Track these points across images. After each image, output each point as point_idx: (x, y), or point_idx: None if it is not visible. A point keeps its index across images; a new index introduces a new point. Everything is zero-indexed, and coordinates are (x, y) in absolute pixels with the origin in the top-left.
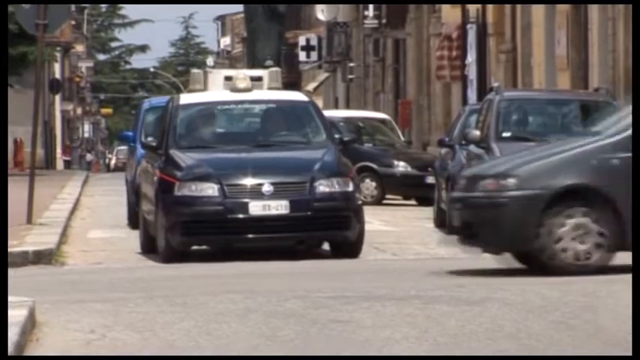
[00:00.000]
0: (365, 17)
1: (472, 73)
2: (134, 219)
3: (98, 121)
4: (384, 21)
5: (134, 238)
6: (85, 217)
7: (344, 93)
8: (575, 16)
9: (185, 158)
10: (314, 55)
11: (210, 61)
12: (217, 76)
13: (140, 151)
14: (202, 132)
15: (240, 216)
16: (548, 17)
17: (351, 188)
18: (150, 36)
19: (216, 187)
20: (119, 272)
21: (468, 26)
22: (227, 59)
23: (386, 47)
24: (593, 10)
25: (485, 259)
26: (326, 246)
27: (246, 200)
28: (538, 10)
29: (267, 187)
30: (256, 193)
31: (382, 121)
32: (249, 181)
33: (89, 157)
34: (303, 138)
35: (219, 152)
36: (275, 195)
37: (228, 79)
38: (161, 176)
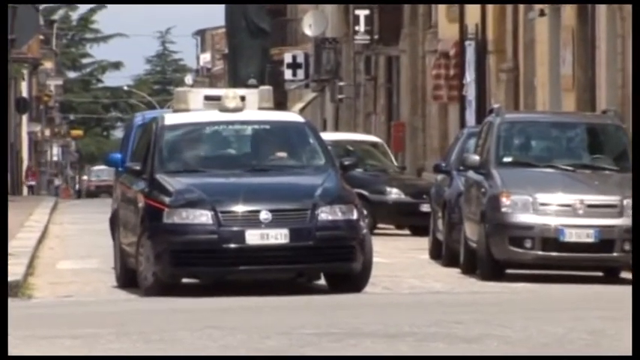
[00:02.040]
0: (355, 33)
1: (471, 93)
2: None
3: (68, 144)
4: (376, 37)
5: (107, 269)
6: (54, 246)
7: (333, 114)
8: (582, 33)
9: (174, 183)
10: (300, 73)
11: (188, 79)
12: (197, 95)
13: None
14: (190, 155)
15: (236, 245)
16: (552, 34)
17: (355, 216)
18: (124, 52)
19: (209, 214)
20: (91, 306)
21: (467, 43)
22: (207, 77)
23: (378, 65)
24: (601, 26)
25: (485, 294)
26: (322, 279)
27: (242, 228)
28: (542, 27)
29: (264, 215)
30: (253, 220)
31: (374, 144)
32: (244, 208)
33: (57, 181)
34: (301, 162)
35: (210, 177)
36: (273, 223)
37: (208, 98)
38: (147, 202)
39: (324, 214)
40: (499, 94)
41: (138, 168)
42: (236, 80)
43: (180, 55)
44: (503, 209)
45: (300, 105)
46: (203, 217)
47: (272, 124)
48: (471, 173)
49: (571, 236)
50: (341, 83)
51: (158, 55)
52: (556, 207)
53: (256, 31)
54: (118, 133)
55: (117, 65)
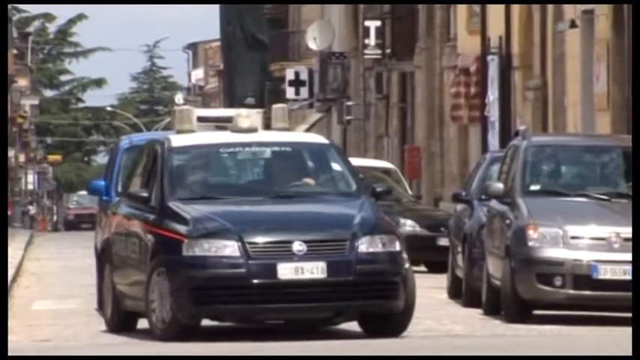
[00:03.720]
0: (365, 46)
1: (494, 113)
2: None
3: (45, 170)
4: (388, 51)
5: (90, 310)
6: (30, 285)
7: (340, 137)
8: (618, 46)
9: (190, 211)
10: (304, 91)
11: (179, 98)
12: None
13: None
14: (204, 180)
15: (267, 281)
16: (584, 47)
17: (398, 248)
18: (107, 68)
19: (235, 244)
20: (70, 351)
21: (489, 58)
22: (199, 96)
23: (390, 82)
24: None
25: (510, 337)
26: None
27: (273, 261)
28: (573, 39)
29: (298, 246)
30: (285, 252)
31: (386, 171)
32: (276, 239)
33: (32, 209)
34: (328, 188)
35: (230, 204)
36: (309, 255)
37: (201, 120)
38: (160, 233)
39: (364, 246)
40: (525, 114)
41: (145, 195)
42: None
43: (170, 72)
44: (530, 243)
45: (303, 127)
46: (228, 248)
47: (293, 146)
48: (494, 203)
49: (606, 273)
50: (349, 103)
51: (145, 71)
52: (589, 240)
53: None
54: (101, 159)
55: (99, 83)
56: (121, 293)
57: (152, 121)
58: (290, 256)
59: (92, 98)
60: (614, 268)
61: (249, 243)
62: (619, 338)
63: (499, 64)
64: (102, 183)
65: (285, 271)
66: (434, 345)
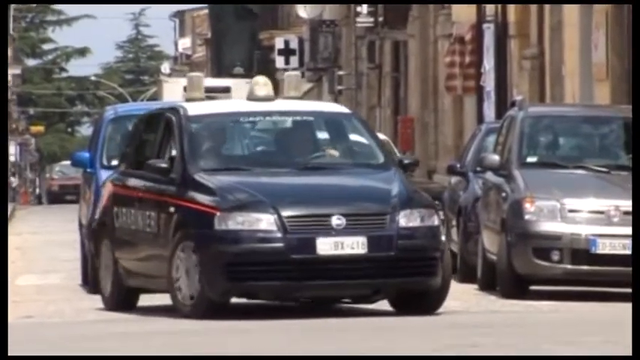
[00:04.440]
0: (357, 14)
1: (489, 83)
2: (96, 279)
3: (27, 142)
4: (380, 19)
5: (73, 286)
6: (15, 259)
7: None
8: (617, 14)
9: (219, 182)
10: (294, 60)
11: (165, 67)
12: (174, 86)
13: (101, 177)
14: (227, 150)
15: (306, 256)
16: (583, 15)
17: (436, 222)
18: (91, 36)
19: (271, 217)
20: (54, 328)
21: (485, 26)
22: (186, 65)
23: (383, 51)
24: None
25: (506, 313)
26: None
27: (312, 235)
28: (571, 7)
29: (337, 220)
30: (324, 226)
31: None
32: (313, 212)
33: (14, 181)
34: (355, 160)
35: (259, 176)
36: (348, 230)
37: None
38: (186, 206)
39: (404, 220)
40: (522, 84)
41: (165, 165)
42: (220, 69)
43: (156, 40)
44: (527, 216)
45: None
46: (264, 221)
47: (316, 115)
48: (489, 175)
49: (604, 247)
50: (340, 72)
51: (130, 40)
52: (587, 214)
53: (244, 13)
54: (85, 130)
55: (83, 52)
56: (124, 270)
57: (138, 91)
58: (329, 231)
59: (76, 68)
60: (614, 242)
61: (286, 216)
62: (622, 316)
63: (495, 32)
64: (86, 154)
65: (325, 246)
66: (430, 321)
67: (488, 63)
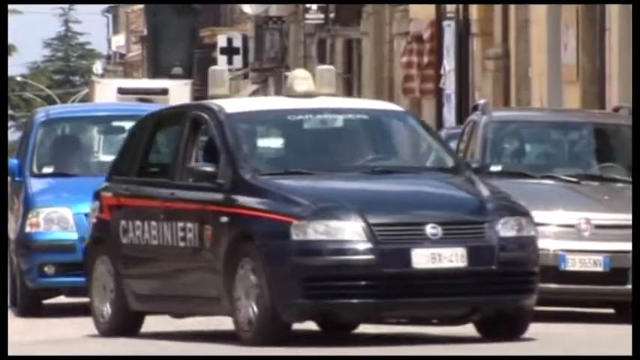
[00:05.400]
0: (307, 10)
1: (450, 85)
2: (27, 298)
3: None
4: (331, 15)
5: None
6: None
7: None
8: (589, 12)
9: (287, 187)
10: (237, 60)
11: (97, 67)
12: (107, 87)
13: (31, 186)
14: (280, 152)
15: (400, 270)
16: (551, 13)
17: (533, 232)
18: (16, 33)
19: (359, 226)
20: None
21: (445, 23)
22: (121, 65)
23: (334, 50)
24: (612, 5)
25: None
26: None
27: (406, 246)
28: (538, 4)
29: (432, 229)
30: (418, 236)
31: None
32: (405, 219)
33: None
34: (423, 162)
35: (328, 180)
36: (445, 240)
37: (122, 91)
38: (250, 214)
39: (504, 230)
40: (485, 86)
41: (211, 169)
42: (157, 69)
43: (88, 38)
44: None
45: None
46: (350, 231)
47: (371, 114)
48: None
49: (574, 264)
50: (288, 73)
51: (59, 37)
52: (556, 228)
53: (182, 8)
54: (10, 135)
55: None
56: (131, 292)
57: (67, 93)
58: (423, 241)
59: None
60: (584, 258)
61: (375, 224)
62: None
63: (456, 30)
64: (14, 162)
65: (421, 258)
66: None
67: (449, 64)
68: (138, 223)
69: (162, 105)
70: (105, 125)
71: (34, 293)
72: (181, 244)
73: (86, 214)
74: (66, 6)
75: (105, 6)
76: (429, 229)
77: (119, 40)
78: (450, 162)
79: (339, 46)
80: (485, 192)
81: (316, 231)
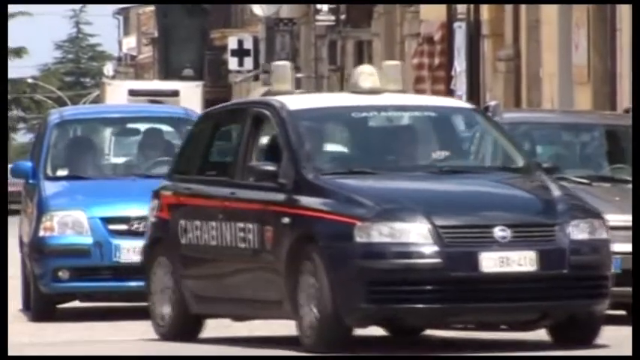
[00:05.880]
0: (317, 12)
1: (461, 87)
2: (41, 303)
3: None
4: (342, 17)
5: (12, 309)
6: None
7: None
8: (599, 12)
9: (350, 187)
10: (248, 62)
11: (108, 69)
12: (118, 89)
13: (45, 189)
14: (344, 150)
15: (468, 274)
16: (562, 13)
17: (606, 235)
18: (28, 35)
19: (425, 228)
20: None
21: (456, 25)
22: (131, 66)
23: (345, 52)
24: (623, 6)
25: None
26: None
27: (474, 250)
28: (549, 4)
29: (501, 231)
30: (487, 239)
31: None
32: (473, 221)
33: None
34: (491, 162)
35: (392, 180)
36: (514, 243)
37: (133, 93)
38: (312, 215)
39: (575, 232)
40: (496, 87)
41: (273, 169)
42: (168, 70)
43: (98, 40)
44: None
45: None
46: (416, 233)
47: (437, 111)
48: None
49: None
50: (299, 75)
51: (70, 39)
52: None
53: (193, 10)
54: (20, 137)
55: (19, 52)
56: (192, 294)
57: (78, 95)
58: (491, 244)
59: (11, 69)
60: None
61: (442, 227)
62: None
63: (467, 31)
64: (28, 164)
65: (489, 262)
66: None
67: (460, 65)
68: (197, 222)
69: (174, 106)
70: (120, 127)
71: (48, 298)
72: (241, 245)
73: (101, 218)
74: (77, 8)
75: (116, 8)
76: (498, 232)
77: (130, 42)
78: (520, 161)
79: (349, 47)
80: (556, 193)
81: (381, 233)
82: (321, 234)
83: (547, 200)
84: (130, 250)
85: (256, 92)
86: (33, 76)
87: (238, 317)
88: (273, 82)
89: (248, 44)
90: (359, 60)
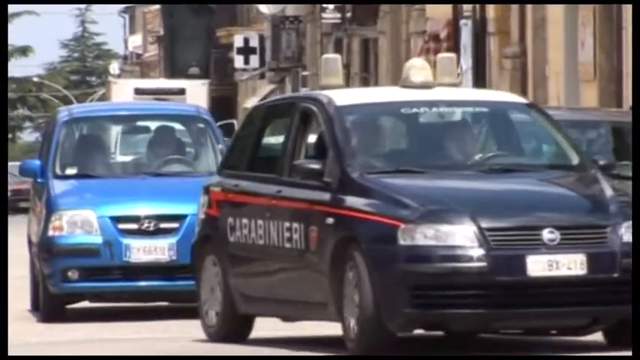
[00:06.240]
0: (323, 10)
1: (467, 84)
2: (50, 303)
3: None
4: (348, 15)
5: (21, 310)
6: None
7: None
8: (605, 10)
9: (395, 187)
10: (254, 60)
11: (114, 67)
12: (124, 87)
13: (54, 188)
14: (390, 148)
15: (515, 278)
16: (568, 12)
17: None
18: (33, 34)
19: (471, 230)
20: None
21: (462, 22)
22: (137, 65)
23: (351, 50)
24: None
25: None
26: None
27: (521, 253)
28: (555, 2)
29: (549, 234)
30: (534, 242)
31: None
32: (520, 224)
33: None
34: (545, 160)
35: (440, 180)
36: (563, 246)
37: (139, 92)
38: (355, 216)
39: (628, 235)
40: (502, 85)
41: (318, 167)
42: (174, 69)
43: (104, 38)
44: None
45: (253, 100)
46: (461, 235)
47: (490, 106)
48: None
49: None
50: (305, 73)
51: (76, 37)
52: None
53: (199, 8)
54: (27, 136)
55: (24, 51)
56: (240, 294)
57: (84, 93)
58: (539, 247)
59: (17, 68)
60: None
61: (488, 229)
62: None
63: (473, 29)
64: (36, 163)
65: (537, 265)
66: None
67: (466, 63)
68: (245, 220)
69: (181, 104)
70: (130, 124)
71: (57, 298)
72: (287, 245)
73: (111, 217)
74: (82, 6)
75: (122, 6)
76: (546, 234)
77: (136, 41)
78: (574, 159)
79: (355, 45)
80: (609, 193)
81: (425, 236)
82: (364, 236)
83: (599, 200)
84: (140, 250)
85: (262, 90)
86: (39, 74)
87: (285, 318)
88: (322, 76)
89: (254, 42)
90: (365, 58)
